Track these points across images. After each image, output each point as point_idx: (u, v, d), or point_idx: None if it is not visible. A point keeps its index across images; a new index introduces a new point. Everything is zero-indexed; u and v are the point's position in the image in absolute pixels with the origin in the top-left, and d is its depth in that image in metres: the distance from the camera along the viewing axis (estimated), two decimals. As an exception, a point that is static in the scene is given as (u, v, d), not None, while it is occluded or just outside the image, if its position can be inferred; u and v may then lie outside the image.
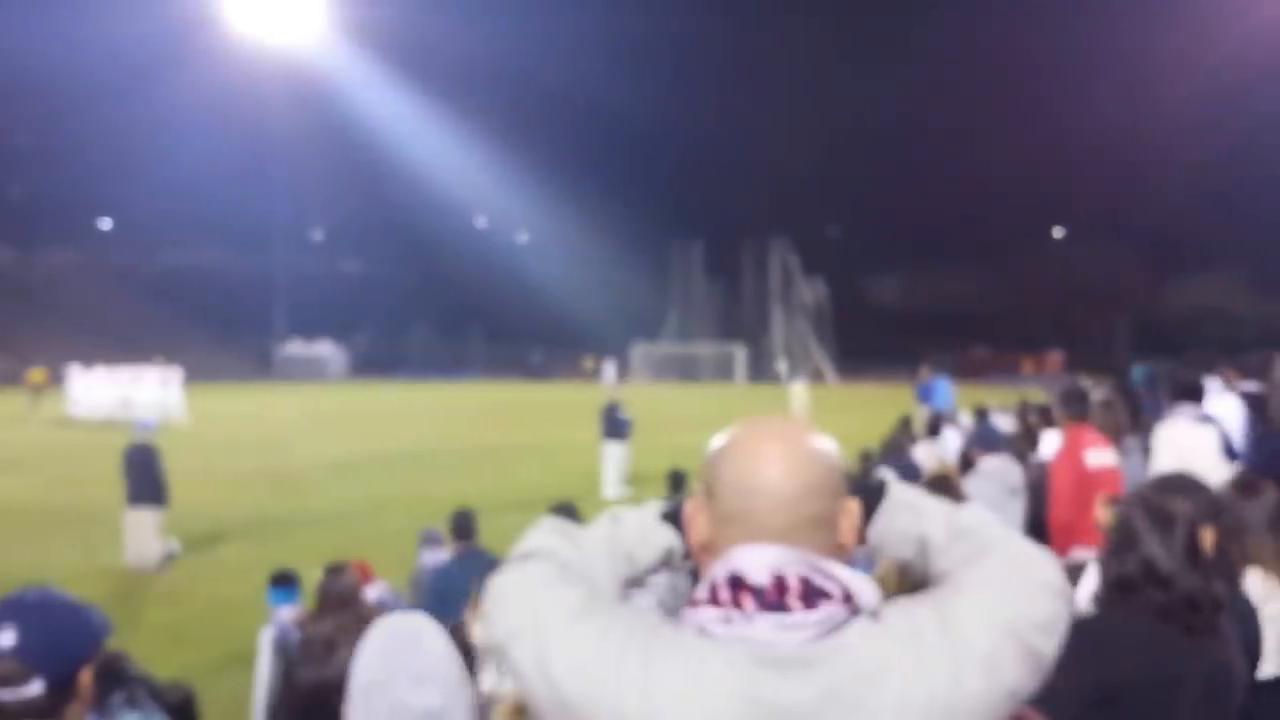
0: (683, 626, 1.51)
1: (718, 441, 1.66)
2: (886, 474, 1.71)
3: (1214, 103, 75.51)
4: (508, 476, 21.04)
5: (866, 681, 1.42)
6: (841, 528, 1.61)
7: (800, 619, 1.44)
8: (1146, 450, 7.61)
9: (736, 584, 1.48)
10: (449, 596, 7.12)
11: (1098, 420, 7.63)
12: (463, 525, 8.15)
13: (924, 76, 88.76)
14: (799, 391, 28.12)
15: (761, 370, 71.71)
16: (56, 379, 39.69)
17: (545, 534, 1.76)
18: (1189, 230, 78.43)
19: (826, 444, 1.63)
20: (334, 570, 6.04)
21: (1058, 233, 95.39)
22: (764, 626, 1.44)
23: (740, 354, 72.80)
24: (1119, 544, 3.19)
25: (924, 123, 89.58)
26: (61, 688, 2.22)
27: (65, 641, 2.27)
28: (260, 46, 76.70)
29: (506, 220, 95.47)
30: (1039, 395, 22.63)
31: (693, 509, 1.69)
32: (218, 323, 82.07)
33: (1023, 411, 15.85)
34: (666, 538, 1.77)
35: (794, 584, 1.47)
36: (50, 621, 2.27)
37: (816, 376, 64.81)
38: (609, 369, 64.51)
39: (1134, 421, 8.08)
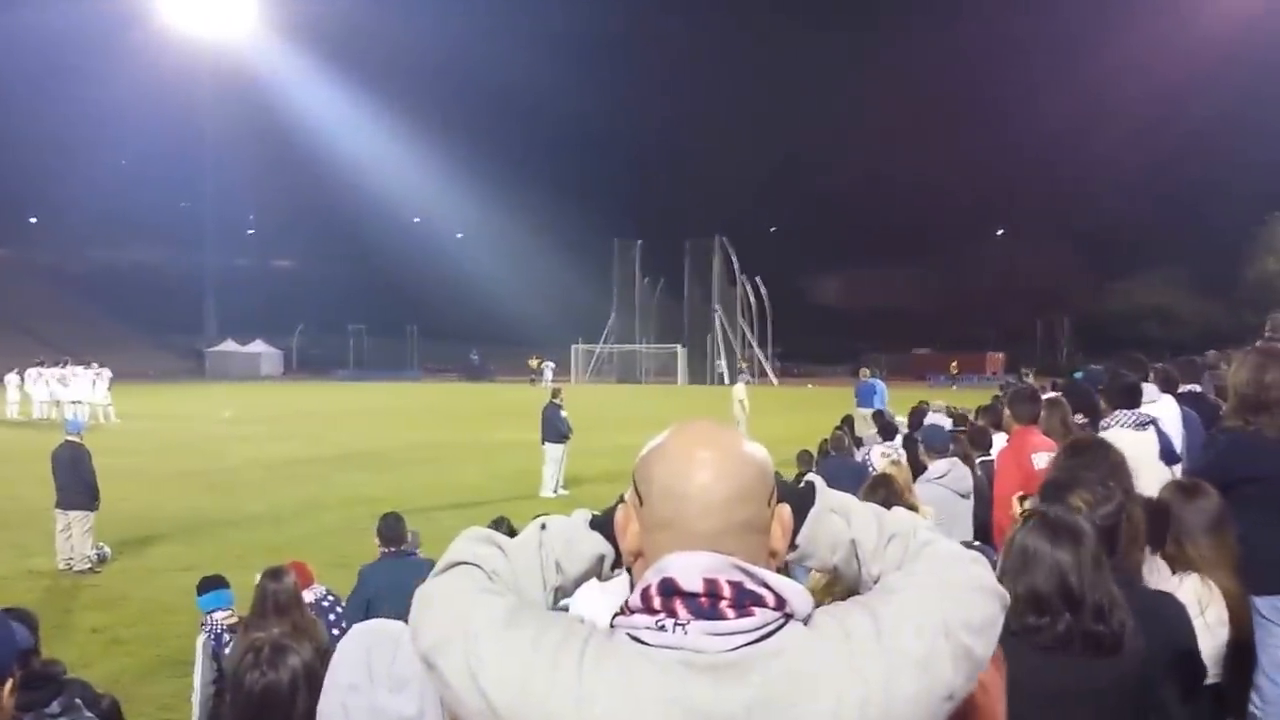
0: (615, 634, 1.49)
1: (648, 447, 1.64)
2: (815, 479, 1.68)
3: (1155, 106, 76.98)
4: (446, 477, 20.90)
5: (800, 686, 1.41)
6: (773, 533, 1.61)
7: (733, 625, 1.43)
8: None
9: (669, 590, 1.47)
10: (375, 600, 7.05)
11: (1043, 422, 7.65)
12: (390, 530, 7.94)
13: (868, 78, 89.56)
14: (740, 392, 28.14)
15: (702, 371, 71.93)
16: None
17: (471, 542, 1.72)
18: (1130, 231, 79.74)
19: (757, 449, 1.62)
20: (274, 574, 5.91)
21: (999, 233, 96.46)
22: (697, 633, 1.43)
23: (681, 354, 72.98)
24: (1020, 564, 3.01)
25: (867, 124, 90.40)
26: (-15, 700, 2.13)
27: (-11, 653, 2.18)
28: (192, 42, 75.68)
29: (444, 218, 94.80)
30: (981, 397, 22.85)
31: (624, 516, 1.67)
32: (149, 322, 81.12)
33: (964, 414, 15.94)
34: (596, 545, 1.73)
35: (726, 590, 1.45)
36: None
37: (757, 377, 65.06)
38: (547, 370, 64.50)
39: (1090, 423, 8.11)
